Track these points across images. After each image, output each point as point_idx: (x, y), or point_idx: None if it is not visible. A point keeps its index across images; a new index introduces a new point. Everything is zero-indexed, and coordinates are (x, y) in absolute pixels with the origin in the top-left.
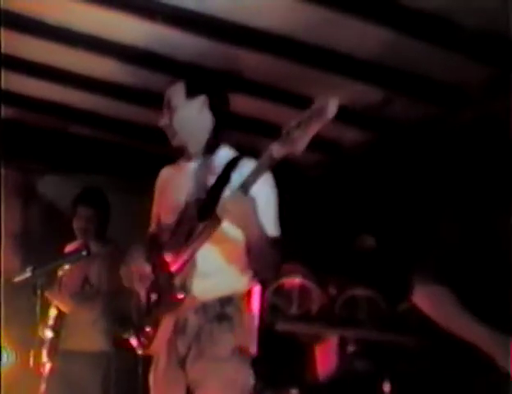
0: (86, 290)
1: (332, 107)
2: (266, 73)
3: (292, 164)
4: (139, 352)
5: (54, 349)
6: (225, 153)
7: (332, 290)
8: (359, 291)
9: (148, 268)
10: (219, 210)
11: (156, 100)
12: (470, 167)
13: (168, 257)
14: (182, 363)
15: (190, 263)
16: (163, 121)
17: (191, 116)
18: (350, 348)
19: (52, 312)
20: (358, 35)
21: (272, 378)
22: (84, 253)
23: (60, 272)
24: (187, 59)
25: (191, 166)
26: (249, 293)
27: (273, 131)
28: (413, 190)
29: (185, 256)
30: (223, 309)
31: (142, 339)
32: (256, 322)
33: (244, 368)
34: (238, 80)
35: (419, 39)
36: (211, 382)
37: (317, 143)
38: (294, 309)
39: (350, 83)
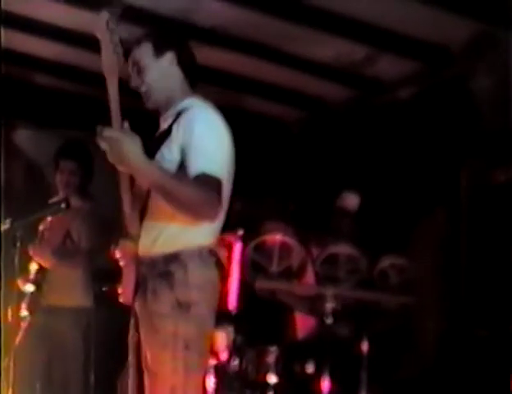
0: (68, 245)
1: None
2: (249, 29)
3: (276, 120)
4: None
5: (35, 303)
6: (189, 103)
7: (313, 248)
8: (340, 249)
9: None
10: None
11: None
12: (451, 123)
13: None
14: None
15: (133, 215)
16: (136, 84)
17: (162, 75)
18: (329, 306)
19: (33, 266)
20: None
21: (251, 336)
22: (63, 205)
23: (40, 227)
24: (169, 13)
25: (161, 120)
26: (229, 248)
27: (258, 88)
28: (396, 146)
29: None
30: (167, 267)
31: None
32: (236, 278)
33: (186, 320)
34: (223, 37)
35: None
36: (153, 337)
37: (300, 99)
38: (274, 267)
39: (336, 40)
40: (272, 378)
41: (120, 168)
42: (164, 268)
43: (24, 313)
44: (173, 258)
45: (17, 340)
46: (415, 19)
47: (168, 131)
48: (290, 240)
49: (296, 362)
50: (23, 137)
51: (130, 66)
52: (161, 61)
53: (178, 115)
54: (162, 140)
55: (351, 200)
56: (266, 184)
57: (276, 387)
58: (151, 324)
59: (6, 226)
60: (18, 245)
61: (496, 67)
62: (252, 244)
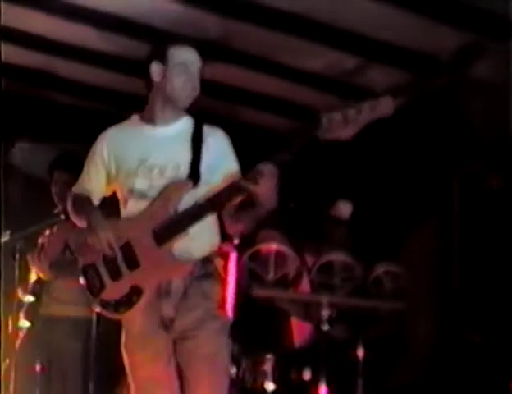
0: (67, 255)
1: (385, 105)
2: (242, 41)
3: (267, 130)
4: (112, 317)
5: (34, 313)
6: (187, 121)
7: (308, 256)
8: (335, 256)
9: (112, 238)
10: (251, 179)
11: (133, 67)
12: (442, 132)
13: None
14: (168, 324)
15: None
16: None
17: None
18: (325, 313)
19: (32, 276)
20: (333, 4)
21: (248, 344)
22: (62, 216)
23: (40, 240)
24: (164, 26)
25: (157, 131)
26: (226, 257)
27: (250, 99)
28: (388, 155)
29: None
30: (206, 268)
31: (120, 306)
32: (233, 286)
33: (225, 315)
34: (214, 48)
35: (393, 7)
36: (205, 329)
37: (291, 109)
38: (270, 275)
39: (326, 51)
40: (269, 386)
41: (263, 194)
42: (204, 270)
43: (22, 322)
44: (207, 260)
45: (16, 350)
46: (405, 29)
47: (199, 144)
48: (285, 249)
49: (293, 369)
50: (20, 150)
51: (192, 63)
52: None
53: (196, 135)
54: (199, 153)
55: (344, 209)
56: None
57: None
58: (200, 318)
59: (5, 237)
60: (17, 256)
61: (487, 76)
62: (248, 253)
